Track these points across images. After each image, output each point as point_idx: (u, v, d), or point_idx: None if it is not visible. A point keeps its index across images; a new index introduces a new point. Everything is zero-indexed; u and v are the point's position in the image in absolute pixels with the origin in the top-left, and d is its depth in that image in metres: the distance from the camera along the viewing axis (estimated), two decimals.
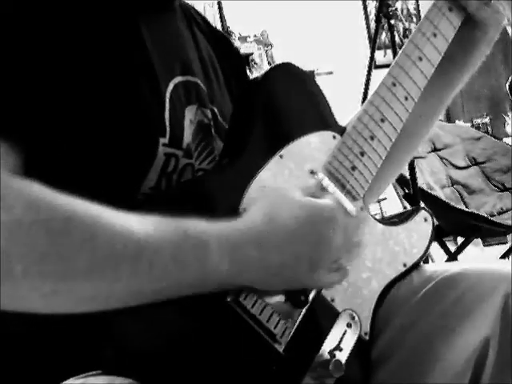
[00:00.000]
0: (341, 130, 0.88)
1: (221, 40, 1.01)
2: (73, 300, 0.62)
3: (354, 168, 0.84)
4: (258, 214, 0.72)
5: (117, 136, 0.73)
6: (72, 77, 0.70)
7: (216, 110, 0.90)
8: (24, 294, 0.59)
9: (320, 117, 0.88)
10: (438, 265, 0.95)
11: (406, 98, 0.88)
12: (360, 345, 0.82)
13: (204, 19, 1.00)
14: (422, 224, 0.94)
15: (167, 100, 0.79)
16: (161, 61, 0.80)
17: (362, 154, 0.85)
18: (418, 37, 0.89)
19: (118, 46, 0.76)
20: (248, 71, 1.08)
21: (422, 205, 2.63)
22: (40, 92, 0.68)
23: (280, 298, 0.75)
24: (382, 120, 0.86)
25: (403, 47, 0.90)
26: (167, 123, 0.78)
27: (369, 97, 0.89)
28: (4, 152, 0.64)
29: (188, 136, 0.82)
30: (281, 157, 0.80)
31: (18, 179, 0.62)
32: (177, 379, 0.68)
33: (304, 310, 0.77)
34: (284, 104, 0.84)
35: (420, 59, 0.89)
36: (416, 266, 0.92)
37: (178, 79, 0.82)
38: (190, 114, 0.83)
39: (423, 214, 0.94)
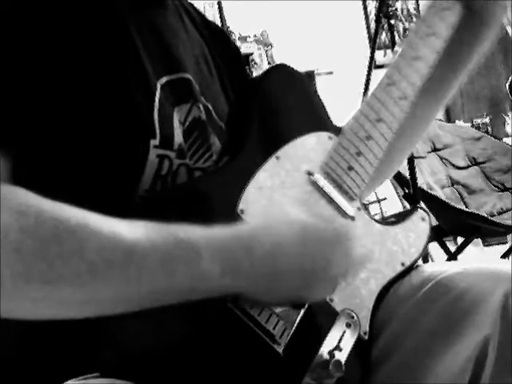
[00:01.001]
0: (337, 131, 0.88)
1: (216, 34, 1.00)
2: (62, 306, 0.61)
3: (350, 168, 0.84)
4: (256, 224, 0.71)
5: (107, 139, 0.73)
6: (61, 80, 0.69)
7: (210, 106, 0.89)
8: (13, 302, 0.58)
9: (316, 118, 0.88)
10: (438, 264, 0.95)
11: (401, 98, 0.88)
12: (359, 345, 0.82)
13: (199, 13, 0.99)
14: (420, 223, 0.94)
15: (157, 100, 0.78)
16: (151, 61, 0.79)
17: (359, 154, 0.85)
18: (412, 37, 0.90)
19: (108, 46, 0.75)
20: (247, 69, 1.07)
21: (422, 205, 2.63)
22: (28, 96, 0.67)
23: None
24: (378, 120, 0.86)
25: (399, 48, 0.90)
26: (157, 124, 0.77)
27: (366, 97, 0.89)
28: None
29: (179, 136, 0.81)
30: (277, 158, 0.80)
31: (4, 185, 0.61)
32: (176, 381, 0.67)
33: (303, 311, 0.77)
34: (280, 105, 0.84)
35: (415, 59, 0.89)
36: (414, 265, 0.92)
37: (166, 78, 0.81)
38: (178, 115, 0.82)
39: (420, 213, 0.94)
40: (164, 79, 0.81)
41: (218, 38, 0.99)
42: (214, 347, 0.69)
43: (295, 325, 0.76)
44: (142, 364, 0.66)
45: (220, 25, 3.69)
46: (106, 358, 0.67)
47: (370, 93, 0.89)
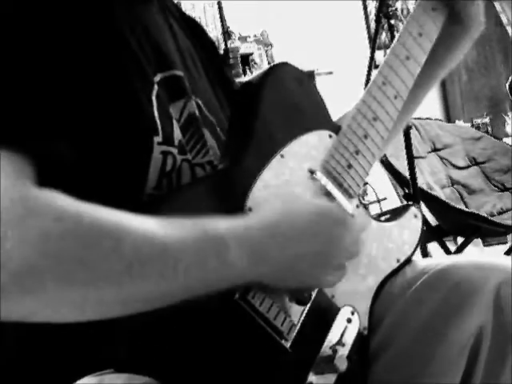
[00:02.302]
0: (336, 129, 0.89)
1: (194, 27, 1.00)
2: (103, 306, 0.62)
3: (349, 166, 0.86)
4: (272, 212, 0.73)
5: (113, 139, 0.73)
6: (65, 83, 0.69)
7: (200, 101, 0.89)
8: (55, 305, 0.59)
9: (317, 116, 0.89)
10: (431, 259, 0.96)
11: (396, 97, 0.90)
12: (360, 339, 0.84)
13: (176, 6, 0.99)
14: (412, 220, 0.96)
15: (154, 98, 0.79)
16: (145, 57, 0.80)
17: (357, 152, 0.86)
18: (405, 36, 0.91)
19: (104, 45, 0.74)
20: (248, 70, 1.07)
21: (422, 205, 2.63)
22: (36, 100, 0.67)
23: (285, 296, 0.76)
24: (375, 119, 0.88)
25: (392, 46, 0.92)
26: (158, 121, 0.78)
27: (362, 96, 0.90)
28: (21, 163, 0.63)
29: (177, 132, 0.82)
30: (282, 156, 0.81)
31: (41, 190, 0.62)
32: (187, 376, 0.68)
33: (307, 307, 0.78)
34: (282, 103, 0.84)
35: (407, 58, 0.90)
36: (408, 261, 0.94)
37: (160, 75, 0.82)
38: (174, 111, 0.83)
39: (413, 210, 0.97)
40: (158, 76, 0.81)
41: (195, 31, 1.00)
42: (225, 343, 0.71)
43: (301, 321, 0.77)
44: (154, 358, 0.67)
45: (220, 25, 3.70)
46: (120, 354, 0.68)
47: (366, 91, 0.90)
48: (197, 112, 0.87)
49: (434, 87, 1.07)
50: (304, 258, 0.72)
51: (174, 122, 0.82)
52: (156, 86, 0.80)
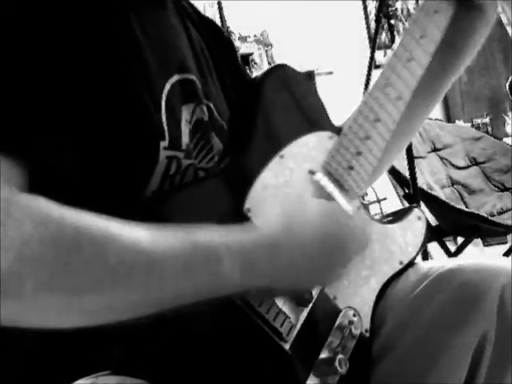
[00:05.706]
0: (336, 131, 0.88)
1: (212, 29, 1.00)
2: (85, 314, 0.61)
3: (351, 168, 0.85)
4: (271, 220, 0.72)
5: (117, 143, 0.72)
6: (69, 86, 0.68)
7: (212, 105, 0.89)
8: (36, 312, 0.58)
9: (317, 117, 0.89)
10: (434, 261, 0.96)
11: (398, 99, 0.89)
12: (361, 342, 0.83)
13: (193, 8, 0.98)
14: (416, 222, 0.96)
15: (163, 102, 0.78)
16: (156, 61, 0.79)
17: (359, 154, 0.86)
18: (406, 38, 0.90)
19: (111, 47, 0.73)
20: (248, 70, 1.07)
21: (422, 205, 2.63)
22: (38, 104, 0.66)
23: (286, 297, 0.76)
24: (376, 120, 0.87)
25: (394, 48, 0.91)
26: (165, 126, 0.77)
27: (364, 97, 0.90)
28: (8, 168, 0.62)
29: (186, 136, 0.81)
30: (281, 157, 0.80)
31: (24, 195, 0.61)
32: (185, 378, 0.68)
33: (308, 308, 0.78)
34: (282, 104, 0.84)
35: (409, 60, 0.90)
36: (411, 263, 0.93)
37: (174, 78, 0.81)
38: (185, 114, 0.82)
39: (416, 212, 0.96)
40: (172, 80, 0.80)
41: (213, 33, 0.99)
42: (223, 345, 0.70)
43: (301, 322, 0.77)
44: (151, 361, 0.67)
45: (220, 25, 3.69)
46: (117, 356, 0.67)
47: (367, 92, 0.90)
48: (206, 117, 0.86)
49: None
50: (302, 269, 0.71)
51: (185, 124, 0.81)
52: (167, 90, 0.79)
